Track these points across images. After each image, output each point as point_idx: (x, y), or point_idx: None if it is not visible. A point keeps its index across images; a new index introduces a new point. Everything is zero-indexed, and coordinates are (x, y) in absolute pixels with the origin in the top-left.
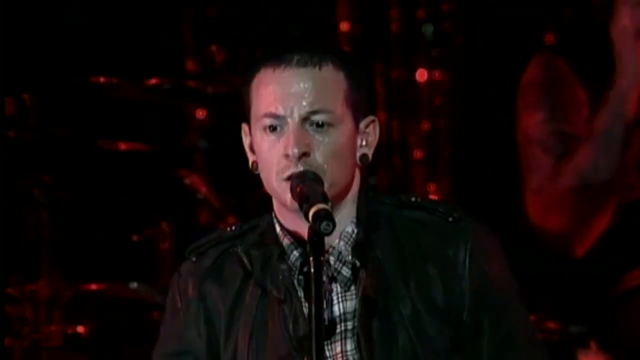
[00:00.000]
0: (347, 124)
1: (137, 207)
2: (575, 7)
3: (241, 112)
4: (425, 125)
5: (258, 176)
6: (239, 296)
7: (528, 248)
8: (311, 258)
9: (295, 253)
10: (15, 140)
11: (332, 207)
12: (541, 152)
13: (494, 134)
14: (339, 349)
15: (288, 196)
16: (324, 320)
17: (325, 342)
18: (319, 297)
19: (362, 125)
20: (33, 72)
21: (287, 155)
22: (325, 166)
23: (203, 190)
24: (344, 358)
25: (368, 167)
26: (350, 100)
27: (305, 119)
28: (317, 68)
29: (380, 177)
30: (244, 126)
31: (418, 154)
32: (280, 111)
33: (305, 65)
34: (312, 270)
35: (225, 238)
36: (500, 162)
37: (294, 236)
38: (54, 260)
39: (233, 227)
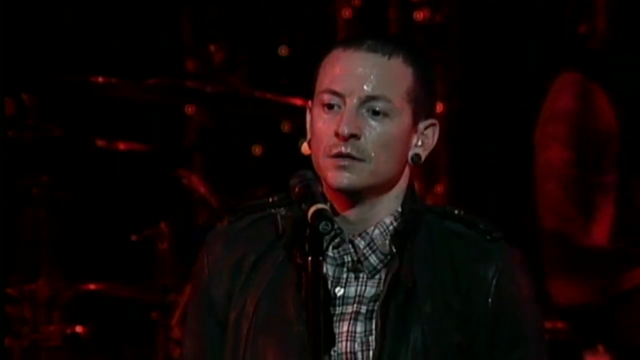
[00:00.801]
0: (404, 119)
1: (136, 207)
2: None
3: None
4: None
5: (257, 176)
6: (262, 257)
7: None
8: (309, 258)
9: (337, 227)
10: (14, 140)
11: (373, 197)
12: (562, 197)
13: (492, 135)
14: (345, 328)
15: (331, 174)
16: (321, 318)
17: (336, 319)
18: (317, 297)
19: (421, 125)
20: (32, 72)
21: (337, 134)
22: (373, 154)
23: (202, 190)
24: (350, 338)
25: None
26: (412, 97)
27: (363, 103)
28: (386, 57)
29: None
30: (309, 103)
31: None
32: (340, 89)
33: (375, 51)
34: (310, 269)
35: (264, 206)
36: (500, 163)
37: (336, 214)
38: (53, 260)
39: (275, 197)
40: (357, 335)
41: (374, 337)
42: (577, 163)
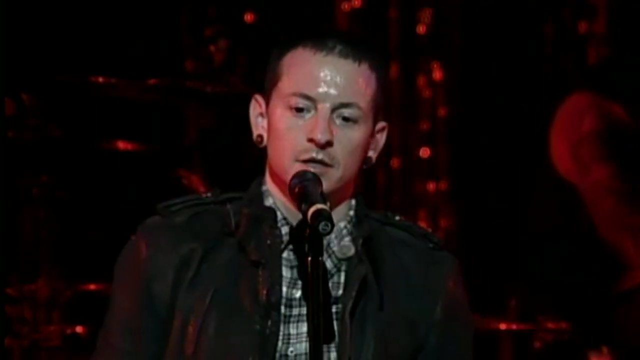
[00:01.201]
0: (368, 124)
1: (136, 207)
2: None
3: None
4: (425, 126)
5: (256, 176)
6: (210, 252)
7: (532, 249)
8: (309, 258)
9: (286, 228)
10: (14, 140)
11: (332, 202)
12: (624, 210)
13: (493, 134)
14: (304, 329)
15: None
16: (321, 318)
17: (294, 320)
18: (317, 296)
19: (376, 128)
20: (32, 72)
21: (311, 140)
22: (342, 160)
23: (202, 190)
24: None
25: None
26: (376, 102)
27: (335, 109)
28: (356, 63)
29: (380, 177)
30: (257, 97)
31: (417, 154)
32: (314, 94)
33: (346, 57)
34: (310, 269)
35: (201, 202)
36: (500, 163)
37: (289, 213)
38: (53, 260)
39: (209, 194)
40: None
41: (336, 339)
42: (623, 176)
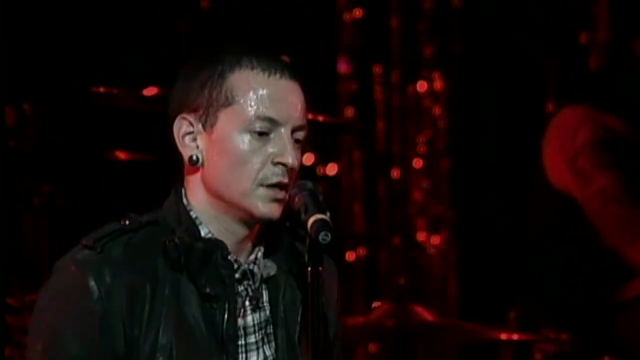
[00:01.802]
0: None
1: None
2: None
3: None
4: (425, 136)
5: None
6: (159, 286)
7: (534, 256)
8: (309, 268)
9: (233, 255)
10: (15, 149)
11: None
12: (622, 210)
13: (493, 143)
14: (261, 357)
15: (262, 204)
16: (321, 328)
17: (245, 349)
18: (318, 305)
19: None
20: (33, 82)
21: (278, 164)
22: (292, 183)
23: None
24: None
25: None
26: None
27: (293, 132)
28: (298, 84)
29: (380, 186)
30: (186, 116)
31: (417, 163)
32: (278, 117)
33: (293, 78)
34: (310, 279)
35: (124, 230)
36: (499, 171)
37: (229, 240)
38: None
39: (127, 221)
40: None
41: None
42: (624, 183)
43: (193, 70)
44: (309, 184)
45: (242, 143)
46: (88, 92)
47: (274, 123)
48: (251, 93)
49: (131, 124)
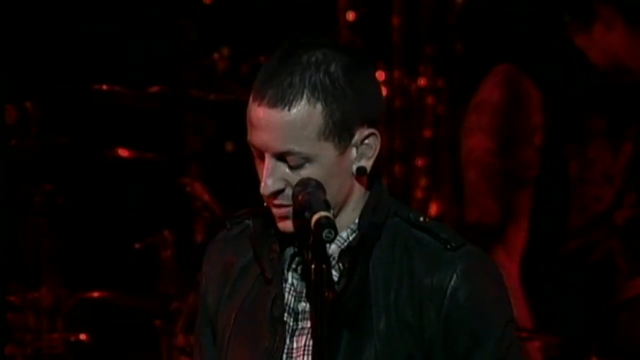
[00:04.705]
0: (326, 155)
1: (138, 215)
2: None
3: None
4: (427, 133)
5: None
6: (247, 265)
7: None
8: (313, 266)
9: (291, 249)
10: (16, 148)
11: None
12: (484, 188)
13: None
14: (303, 343)
15: (276, 219)
16: (324, 327)
17: (291, 334)
18: (321, 305)
19: (356, 139)
20: (34, 81)
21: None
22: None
23: (205, 198)
24: (306, 352)
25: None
26: (328, 132)
27: (278, 158)
28: (286, 108)
29: None
30: None
31: (419, 161)
32: (257, 144)
33: (274, 105)
34: (313, 277)
35: (260, 212)
36: None
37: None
38: (56, 268)
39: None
40: (311, 349)
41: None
42: (499, 154)
43: None
44: (312, 182)
45: (256, 165)
46: (89, 91)
47: (257, 149)
48: (249, 113)
49: (133, 122)
